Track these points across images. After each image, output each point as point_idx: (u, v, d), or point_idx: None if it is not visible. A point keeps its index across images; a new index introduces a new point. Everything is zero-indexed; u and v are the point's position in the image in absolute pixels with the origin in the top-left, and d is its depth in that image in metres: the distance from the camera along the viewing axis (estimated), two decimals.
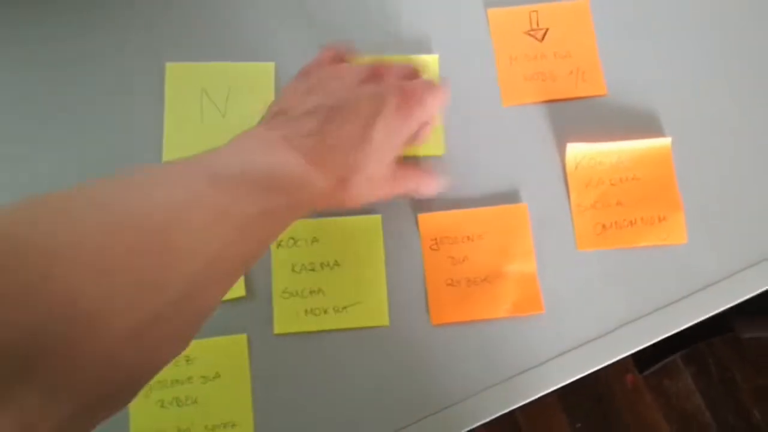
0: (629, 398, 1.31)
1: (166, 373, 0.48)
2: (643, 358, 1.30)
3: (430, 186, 0.49)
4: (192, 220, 0.31)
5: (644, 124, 0.53)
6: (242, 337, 0.49)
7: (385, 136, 0.41)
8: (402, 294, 0.50)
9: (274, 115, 0.42)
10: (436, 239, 0.51)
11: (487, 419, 0.48)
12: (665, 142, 0.52)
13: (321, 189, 0.39)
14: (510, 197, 0.52)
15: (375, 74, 0.44)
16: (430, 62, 0.54)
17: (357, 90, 0.42)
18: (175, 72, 0.53)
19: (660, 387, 1.32)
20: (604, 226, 0.51)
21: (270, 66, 0.54)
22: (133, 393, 0.29)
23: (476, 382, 0.49)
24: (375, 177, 0.42)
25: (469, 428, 0.48)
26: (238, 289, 0.49)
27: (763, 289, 0.51)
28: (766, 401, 1.30)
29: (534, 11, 0.55)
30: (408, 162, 0.49)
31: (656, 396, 1.31)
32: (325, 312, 0.49)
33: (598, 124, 0.53)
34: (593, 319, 0.50)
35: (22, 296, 0.23)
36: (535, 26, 0.55)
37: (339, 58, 0.48)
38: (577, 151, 0.52)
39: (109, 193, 0.30)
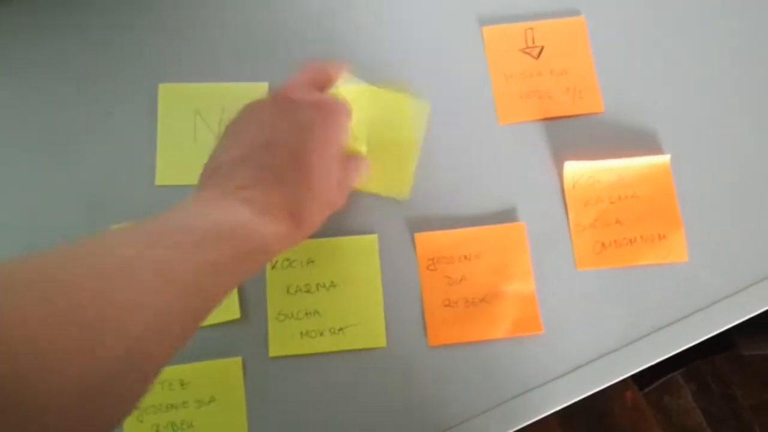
0: (629, 415, 1.29)
1: (161, 397, 0.47)
2: (642, 375, 1.29)
3: (363, 170, 0.48)
4: (132, 279, 0.30)
5: (643, 142, 0.53)
6: (237, 361, 0.48)
7: (320, 158, 0.41)
8: (399, 315, 0.49)
9: (209, 176, 0.41)
10: (433, 259, 0.50)
11: None
12: (664, 159, 0.51)
13: (273, 234, 0.38)
14: (508, 216, 0.51)
15: (286, 101, 0.43)
16: (423, 109, 0.53)
17: (277, 125, 0.41)
18: (169, 93, 0.53)
19: (660, 404, 1.30)
20: (603, 245, 0.51)
21: (263, 86, 0.53)
22: None
23: (475, 405, 0.48)
24: (325, 198, 0.42)
25: None
26: (232, 312, 0.49)
27: (766, 308, 0.50)
28: (767, 417, 1.29)
29: (529, 29, 0.55)
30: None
31: (657, 413, 1.30)
32: (321, 334, 0.49)
33: (596, 141, 0.53)
34: (593, 340, 0.49)
35: None
36: (530, 44, 0.55)
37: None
38: (575, 169, 0.51)
39: (48, 262, 0.29)
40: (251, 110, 0.43)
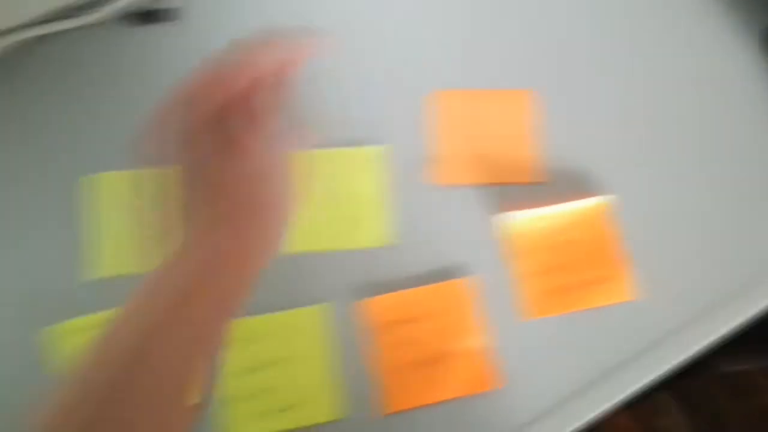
0: None
1: None
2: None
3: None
4: None
5: (583, 186, 0.53)
6: None
7: (259, 179, 0.39)
8: (351, 384, 0.49)
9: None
10: (381, 323, 0.50)
11: None
12: (600, 201, 0.52)
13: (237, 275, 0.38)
14: (452, 272, 0.51)
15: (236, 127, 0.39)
16: (374, 154, 0.53)
17: (230, 159, 0.39)
18: (100, 183, 0.52)
19: (650, 425, 1.29)
20: (548, 292, 0.51)
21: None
22: None
23: None
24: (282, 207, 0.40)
25: None
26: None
27: (716, 336, 0.50)
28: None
29: (477, 95, 0.55)
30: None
31: None
32: (279, 412, 0.48)
33: (534, 191, 0.53)
34: (549, 389, 0.49)
35: None
36: (475, 109, 0.54)
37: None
38: (511, 219, 0.51)
39: None
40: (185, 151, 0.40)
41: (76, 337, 0.49)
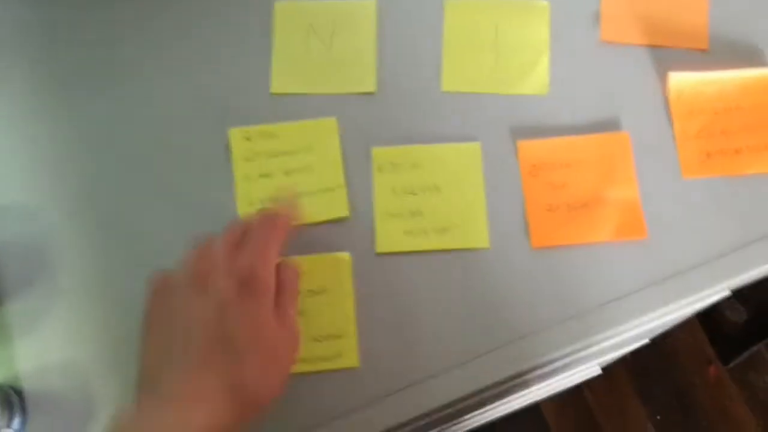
0: (712, 391, 1.26)
1: None
2: (726, 349, 1.26)
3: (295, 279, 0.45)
4: None
5: (747, 56, 0.52)
6: (346, 255, 0.50)
7: (249, 329, 0.40)
8: (502, 218, 0.51)
9: (140, 390, 0.41)
10: (535, 165, 0.51)
11: (586, 341, 0.48)
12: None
13: (213, 417, 0.38)
14: (611, 126, 0.52)
15: (197, 282, 0.42)
16: (539, 8, 0.54)
17: (192, 310, 0.41)
18: (284, 10, 0.56)
19: (745, 380, 1.27)
20: (709, 154, 0.51)
21: (372, 3, 0.55)
22: None
23: (576, 305, 0.49)
24: (269, 360, 0.41)
25: (562, 351, 0.48)
26: (341, 209, 0.51)
27: None
28: None
29: None
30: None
31: (741, 389, 1.26)
32: (426, 233, 0.50)
33: (700, 57, 0.53)
34: (698, 245, 0.49)
35: None
36: None
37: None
38: (679, 80, 0.51)
39: None
40: (162, 299, 0.43)
41: (250, 142, 0.53)
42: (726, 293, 0.56)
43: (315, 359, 0.49)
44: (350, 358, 0.49)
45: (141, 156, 0.53)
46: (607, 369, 1.15)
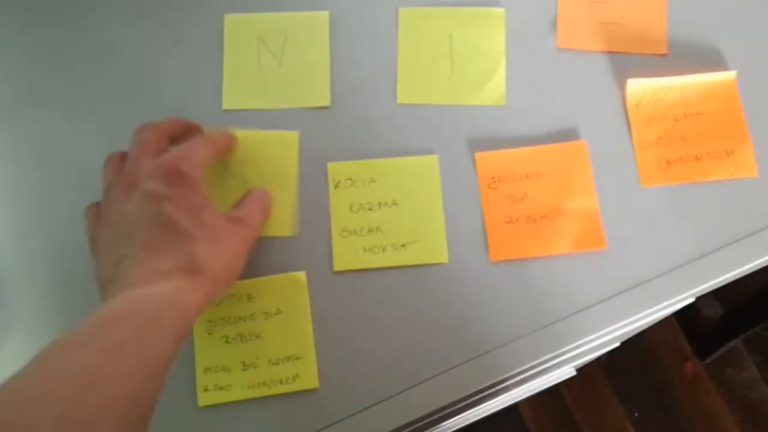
0: (690, 387, 1.27)
1: (230, 310, 0.48)
2: (703, 345, 1.26)
3: (267, 202, 0.49)
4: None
5: (708, 59, 0.52)
6: (301, 275, 0.49)
7: (190, 216, 0.41)
8: (460, 232, 0.50)
9: (101, 294, 0.42)
10: (494, 178, 0.50)
11: (550, 355, 0.47)
12: (729, 75, 0.51)
13: (171, 291, 0.39)
14: (569, 136, 0.51)
15: (123, 189, 0.44)
16: (494, 16, 0.53)
17: (128, 212, 0.42)
18: (234, 23, 0.54)
19: (722, 376, 1.27)
20: (668, 162, 0.50)
21: (325, 15, 0.54)
22: None
23: (537, 319, 0.48)
24: (216, 239, 0.42)
25: (524, 366, 0.47)
26: (289, 228, 0.50)
27: None
28: None
29: None
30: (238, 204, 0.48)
31: (718, 385, 1.26)
32: (384, 250, 0.49)
33: (658, 63, 0.52)
34: (659, 255, 0.49)
35: None
36: None
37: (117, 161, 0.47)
38: (638, 87, 0.51)
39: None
40: (98, 216, 0.45)
41: None
42: (690, 300, 0.56)
43: (273, 382, 0.48)
44: (309, 380, 0.48)
45: (90, 175, 0.52)
46: (584, 369, 1.15)
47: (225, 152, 0.49)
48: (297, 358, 0.48)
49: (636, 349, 1.25)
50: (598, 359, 1.26)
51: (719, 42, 0.52)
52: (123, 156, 0.46)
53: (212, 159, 0.46)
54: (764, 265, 0.50)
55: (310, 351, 0.48)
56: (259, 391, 0.48)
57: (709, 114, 0.50)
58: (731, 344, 1.22)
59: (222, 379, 0.48)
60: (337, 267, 0.49)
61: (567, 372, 1.03)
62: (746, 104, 0.51)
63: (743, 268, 0.48)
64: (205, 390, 0.48)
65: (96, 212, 0.46)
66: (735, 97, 0.50)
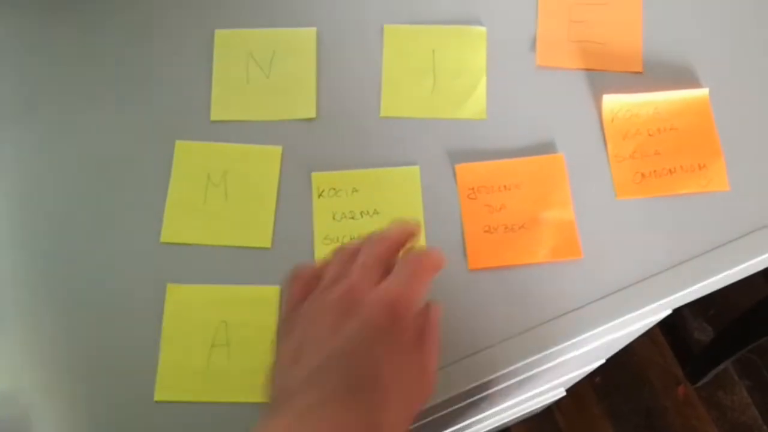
0: (681, 411, 1.26)
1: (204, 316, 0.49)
2: (694, 368, 1.26)
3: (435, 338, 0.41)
4: None
5: (681, 77, 0.53)
6: (275, 289, 0.50)
7: (393, 366, 0.37)
8: (441, 241, 0.51)
9: (276, 399, 0.38)
10: (473, 188, 0.52)
11: (526, 360, 0.48)
12: (703, 92, 0.52)
13: None
14: (547, 149, 0.52)
15: (352, 301, 0.38)
16: (476, 34, 0.55)
17: (345, 331, 0.37)
18: (224, 38, 0.56)
19: (713, 399, 1.27)
20: (642, 175, 0.51)
21: (312, 31, 0.56)
22: None
23: (514, 325, 0.49)
24: (406, 402, 0.38)
25: (505, 371, 0.48)
26: (264, 240, 0.51)
27: None
28: None
29: None
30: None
31: (710, 409, 1.26)
32: None
33: (634, 80, 0.54)
34: (633, 265, 0.50)
35: None
36: None
37: (309, 282, 0.42)
38: (613, 102, 0.52)
39: None
40: (313, 311, 0.39)
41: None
42: (667, 311, 0.57)
43: (232, 391, 0.48)
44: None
45: (78, 185, 0.53)
46: (576, 390, 1.15)
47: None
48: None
49: (628, 372, 1.25)
50: (591, 381, 1.26)
51: (693, 60, 0.54)
52: (354, 253, 0.41)
53: None
54: (737, 277, 0.51)
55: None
56: (229, 396, 0.48)
57: (683, 129, 0.52)
58: (721, 367, 1.22)
59: (185, 378, 0.48)
60: None
61: (557, 392, 1.03)
62: (718, 120, 0.52)
63: (714, 278, 0.49)
64: (164, 386, 0.48)
65: (302, 292, 0.41)
66: (707, 113, 0.52)
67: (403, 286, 0.38)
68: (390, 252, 0.41)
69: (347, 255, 0.41)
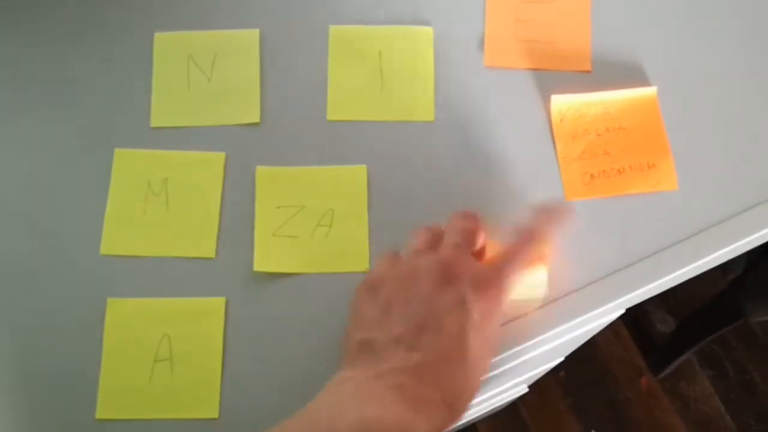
0: (645, 402, 1.28)
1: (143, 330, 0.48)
2: (657, 360, 1.28)
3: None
4: None
5: (630, 76, 0.53)
6: (222, 300, 0.48)
7: (478, 345, 0.38)
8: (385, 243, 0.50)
9: (359, 350, 0.39)
10: None
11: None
12: (651, 90, 0.52)
13: (426, 430, 0.35)
14: (495, 152, 0.52)
15: (445, 272, 0.40)
16: (423, 34, 0.54)
17: (436, 299, 0.38)
18: (163, 41, 0.54)
19: (676, 390, 1.28)
20: (592, 176, 0.51)
21: (255, 33, 0.55)
22: None
23: None
24: (479, 379, 0.39)
25: None
26: (209, 250, 0.50)
27: (757, 234, 0.50)
28: None
29: None
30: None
31: (673, 399, 1.28)
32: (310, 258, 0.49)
33: (582, 80, 0.53)
34: (584, 267, 0.49)
35: None
36: None
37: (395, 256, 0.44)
38: (561, 103, 0.52)
39: None
40: (406, 277, 0.40)
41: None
42: (621, 311, 0.56)
43: (176, 407, 0.47)
44: (210, 409, 0.47)
45: (11, 196, 0.51)
46: (541, 385, 1.16)
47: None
48: (202, 386, 0.47)
49: (592, 365, 1.26)
50: (555, 376, 1.26)
51: (641, 59, 0.54)
52: (437, 233, 0.43)
53: None
54: (689, 275, 0.51)
55: (216, 381, 0.47)
56: (160, 413, 0.47)
57: (631, 128, 0.52)
58: (684, 358, 1.24)
59: (127, 394, 0.47)
60: (257, 267, 0.49)
61: (520, 389, 1.03)
62: (667, 119, 0.52)
63: (665, 278, 0.49)
64: (105, 404, 0.47)
65: (393, 259, 0.43)
66: (656, 112, 0.52)
67: (506, 270, 0.41)
68: (474, 236, 0.43)
69: (431, 234, 0.43)
